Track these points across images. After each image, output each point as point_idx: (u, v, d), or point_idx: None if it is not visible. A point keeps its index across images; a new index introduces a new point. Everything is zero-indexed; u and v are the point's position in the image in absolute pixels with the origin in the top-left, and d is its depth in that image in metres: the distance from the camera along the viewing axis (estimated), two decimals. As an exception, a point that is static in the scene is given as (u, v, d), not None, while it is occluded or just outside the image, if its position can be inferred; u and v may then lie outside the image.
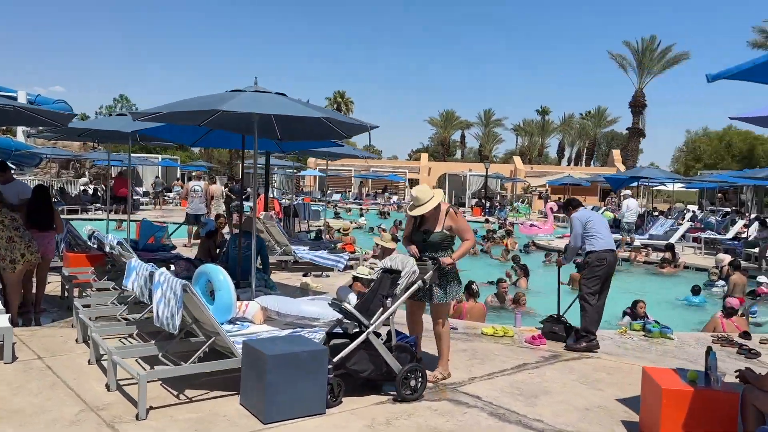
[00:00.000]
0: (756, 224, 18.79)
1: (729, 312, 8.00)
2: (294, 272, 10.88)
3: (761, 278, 11.12)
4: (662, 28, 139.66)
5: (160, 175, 34.47)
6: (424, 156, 55.08)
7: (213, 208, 14.87)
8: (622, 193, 20.24)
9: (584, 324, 6.51)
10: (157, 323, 4.76)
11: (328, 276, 10.74)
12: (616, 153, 53.31)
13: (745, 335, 7.12)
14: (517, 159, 54.10)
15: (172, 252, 10.02)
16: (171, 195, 33.39)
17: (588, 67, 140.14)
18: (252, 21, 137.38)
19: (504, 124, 78.22)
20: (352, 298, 6.63)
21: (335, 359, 4.63)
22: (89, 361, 5.25)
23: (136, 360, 5.09)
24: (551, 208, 21.62)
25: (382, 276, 5.11)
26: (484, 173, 44.07)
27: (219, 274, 5.49)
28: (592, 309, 6.48)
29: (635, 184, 20.59)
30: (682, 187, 35.61)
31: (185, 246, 13.25)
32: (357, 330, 4.87)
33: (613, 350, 6.52)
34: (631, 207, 17.27)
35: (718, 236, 19.92)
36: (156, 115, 5.53)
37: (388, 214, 32.73)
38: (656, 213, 24.58)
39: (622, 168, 47.67)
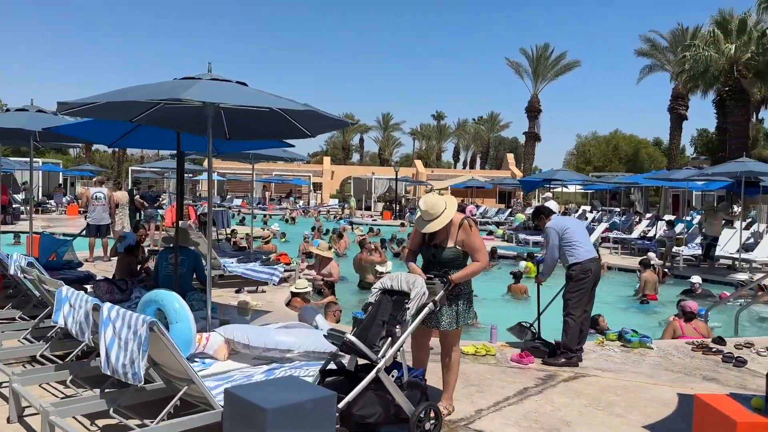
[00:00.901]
0: (661, 224, 19.72)
1: (689, 316, 7.90)
2: (223, 288, 9.75)
3: (694, 278, 11.34)
4: (556, 37, 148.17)
5: (40, 182, 31.24)
6: (327, 159, 54.30)
7: (118, 218, 13.25)
8: (543, 196, 20.60)
9: (565, 341, 6.06)
10: (107, 371, 3.69)
11: (263, 291, 9.72)
12: (510, 156, 55.32)
13: (720, 341, 6.98)
14: (418, 162, 54.67)
15: (80, 270, 8.61)
16: (52, 203, 30.30)
17: (481, 73, 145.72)
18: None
19: (402, 128, 79.34)
20: (321, 321, 5.78)
21: (340, 405, 3.79)
22: (8, 419, 4.06)
23: (74, 417, 3.96)
24: (471, 211, 21.61)
25: (382, 298, 4.32)
26: (388, 176, 44.10)
27: (174, 302, 4.48)
28: (575, 324, 6.05)
29: (547, 185, 20.96)
30: (581, 189, 37.33)
31: (87, 261, 11.64)
32: (359, 366, 4.08)
33: (602, 365, 6.11)
34: (553, 209, 17.40)
35: (627, 236, 20.75)
36: (89, 106, 4.41)
37: (294, 219, 31.63)
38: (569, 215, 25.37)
39: (517, 171, 49.45)
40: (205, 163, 36.36)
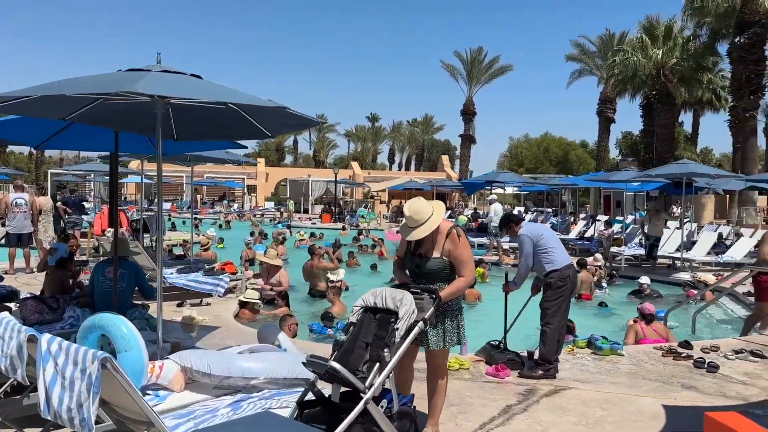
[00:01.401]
0: (598, 224, 20.12)
1: (648, 318, 7.84)
2: (163, 302, 8.99)
3: (643, 279, 11.46)
4: (489, 41, 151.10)
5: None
6: (261, 162, 52.98)
7: (41, 225, 12.14)
8: (488, 198, 20.59)
9: (543, 352, 5.82)
10: (48, 415, 3.08)
11: (208, 304, 9.05)
12: (445, 158, 55.79)
13: (687, 345, 6.93)
14: (355, 164, 54.22)
15: (1, 285, 7.70)
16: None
17: (415, 75, 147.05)
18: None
19: (336, 129, 78.79)
20: (284, 339, 5.27)
21: (327, 442, 3.34)
22: None
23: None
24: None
25: (364, 317, 3.89)
26: (325, 178, 43.50)
27: (121, 327, 3.90)
28: (553, 334, 5.81)
29: (489, 188, 20.99)
30: (517, 191, 37.93)
31: (8, 273, 10.58)
32: (341, 394, 3.63)
33: (579, 375, 5.89)
34: (498, 211, 17.46)
35: (566, 237, 21.07)
36: (20, 100, 3.75)
37: (230, 223, 30.56)
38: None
39: (452, 173, 49.91)
40: (133, 165, 34.83)
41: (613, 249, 16.11)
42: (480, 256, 15.57)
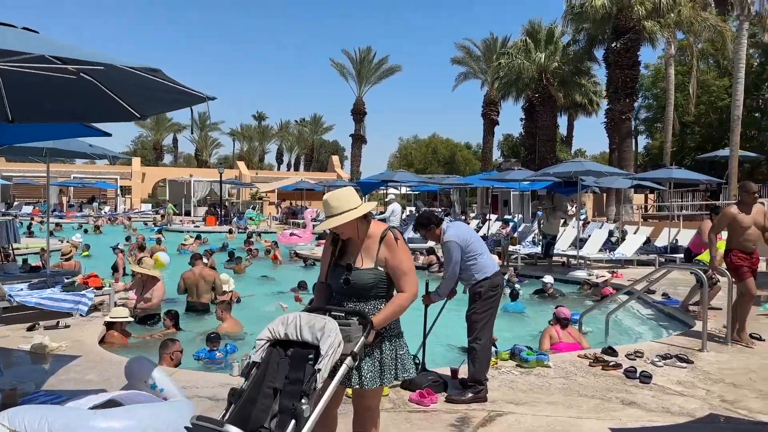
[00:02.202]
0: (495, 223, 20.13)
1: (564, 323, 7.41)
2: (9, 325, 7.40)
3: (547, 278, 11.21)
4: (378, 41, 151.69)
5: None
6: (136, 160, 49.29)
7: None
8: (386, 199, 19.90)
9: (473, 372, 5.08)
10: None
11: (67, 327, 7.54)
12: (335, 158, 54.99)
13: (611, 351, 6.50)
14: (241, 164, 52.07)
15: None
16: None
17: (304, 74, 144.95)
18: None
19: (221, 128, 75.63)
20: (160, 377, 4.13)
21: None
22: None
23: None
24: (311, 215, 20.29)
25: (271, 354, 2.90)
26: (209, 179, 41.27)
27: None
28: (484, 351, 5.11)
29: (383, 188, 20.43)
30: (409, 191, 37.87)
31: None
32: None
33: (510, 395, 5.20)
34: (396, 211, 16.83)
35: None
36: None
37: (99, 228, 27.81)
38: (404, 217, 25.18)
39: (343, 173, 49.20)
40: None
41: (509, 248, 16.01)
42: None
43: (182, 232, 25.68)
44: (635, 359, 6.35)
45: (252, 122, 76.44)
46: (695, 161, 25.32)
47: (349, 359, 2.84)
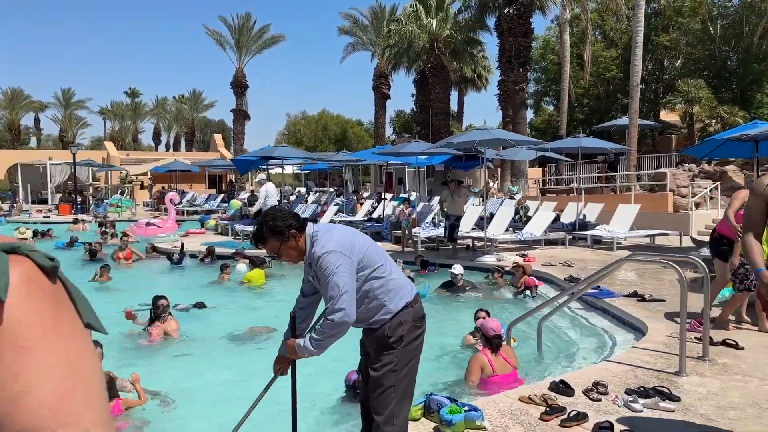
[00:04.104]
0: (390, 203, 18.09)
1: (495, 342, 5.33)
2: None
3: (456, 268, 9.22)
4: (259, 9, 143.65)
5: None
6: (-16, 143, 42.91)
7: None
8: (257, 179, 17.17)
9: None
10: None
11: None
12: (218, 137, 50.87)
13: (564, 387, 4.49)
14: (109, 144, 46.64)
15: None
16: None
17: (180, 47, 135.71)
18: None
19: (88, 106, 68.75)
20: None
21: None
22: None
23: None
24: (171, 200, 17.19)
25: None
26: (71, 161, 36.32)
27: None
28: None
29: (264, 166, 17.73)
30: (297, 170, 35.12)
31: None
32: None
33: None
34: (271, 193, 14.26)
35: (353, 218, 18.73)
36: None
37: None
38: (287, 197, 22.61)
39: (227, 153, 45.40)
40: None
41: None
42: (254, 250, 12.34)
43: (28, 223, 21.60)
44: (599, 398, 4.39)
45: (124, 99, 69.85)
46: (592, 132, 24.51)
47: None
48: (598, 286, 8.48)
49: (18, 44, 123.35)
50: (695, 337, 5.79)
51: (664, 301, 7.71)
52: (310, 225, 3.07)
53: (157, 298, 7.38)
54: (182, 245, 13.28)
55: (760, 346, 5.73)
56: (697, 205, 16.50)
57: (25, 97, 62.30)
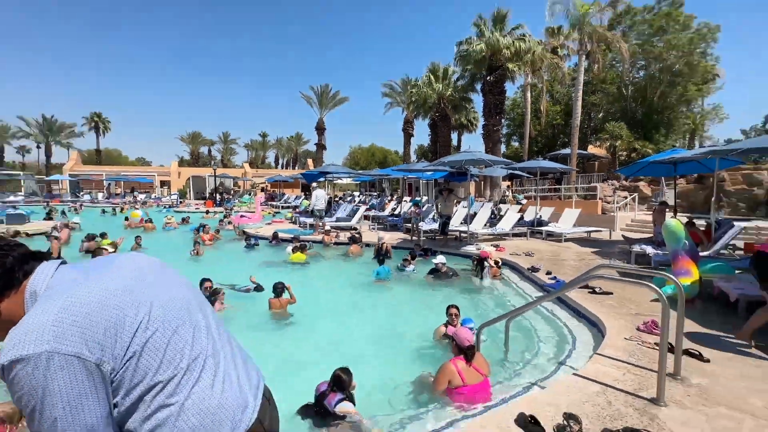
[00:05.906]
0: (405, 204, 15.96)
1: (469, 353, 3.25)
2: None
3: (438, 258, 7.10)
4: (333, 79, 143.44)
5: None
6: (174, 163, 42.83)
7: None
8: (312, 186, 15.47)
9: None
10: None
11: None
12: (310, 161, 49.60)
13: (532, 422, 2.40)
14: (246, 165, 46.07)
15: None
16: None
17: (290, 106, 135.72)
18: None
19: (237, 142, 68.50)
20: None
21: None
22: None
23: None
24: (259, 200, 15.70)
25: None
26: (219, 175, 35.63)
27: None
28: None
29: (323, 179, 15.93)
30: (351, 181, 33.31)
31: None
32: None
33: None
34: (320, 196, 12.36)
35: (380, 213, 16.70)
36: None
37: (123, 209, 21.90)
38: (338, 199, 20.72)
39: (315, 170, 44.00)
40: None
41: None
42: (307, 237, 10.57)
43: (184, 212, 20.43)
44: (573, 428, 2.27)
45: (258, 138, 69.67)
46: (546, 158, 21.71)
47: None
48: (555, 277, 6.24)
49: (193, 95, 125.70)
50: (654, 342, 3.56)
51: (612, 294, 5.43)
52: (44, 270, 0.92)
53: (203, 281, 5.57)
54: (245, 232, 11.33)
55: (724, 359, 3.47)
56: (619, 209, 13.90)
57: (200, 137, 62.61)
